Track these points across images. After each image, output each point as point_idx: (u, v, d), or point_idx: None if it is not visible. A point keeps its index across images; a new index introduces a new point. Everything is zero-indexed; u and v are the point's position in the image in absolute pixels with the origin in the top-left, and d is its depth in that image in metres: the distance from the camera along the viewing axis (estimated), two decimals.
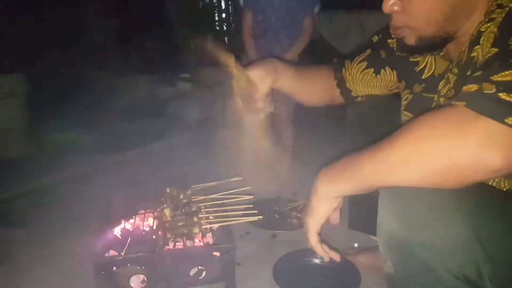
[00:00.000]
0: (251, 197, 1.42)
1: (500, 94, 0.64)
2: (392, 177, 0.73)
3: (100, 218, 1.39)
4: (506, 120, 0.61)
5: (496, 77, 0.66)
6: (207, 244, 1.24)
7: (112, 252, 1.20)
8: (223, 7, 3.41)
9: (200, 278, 1.17)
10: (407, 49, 0.95)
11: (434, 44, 0.90)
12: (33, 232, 1.76)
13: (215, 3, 3.44)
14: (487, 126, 0.63)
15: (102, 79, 3.04)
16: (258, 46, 2.24)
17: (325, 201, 0.85)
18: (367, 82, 1.17)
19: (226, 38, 3.28)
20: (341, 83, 1.20)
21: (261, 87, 1.06)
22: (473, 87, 0.67)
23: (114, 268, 1.11)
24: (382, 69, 1.14)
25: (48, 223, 1.83)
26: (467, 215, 0.72)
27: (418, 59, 1.04)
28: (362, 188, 0.79)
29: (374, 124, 1.33)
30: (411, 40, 0.91)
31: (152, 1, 3.53)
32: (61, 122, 2.49)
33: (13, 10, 2.46)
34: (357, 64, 1.17)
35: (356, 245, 1.67)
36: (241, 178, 1.48)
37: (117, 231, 1.33)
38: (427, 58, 1.03)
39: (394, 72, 1.14)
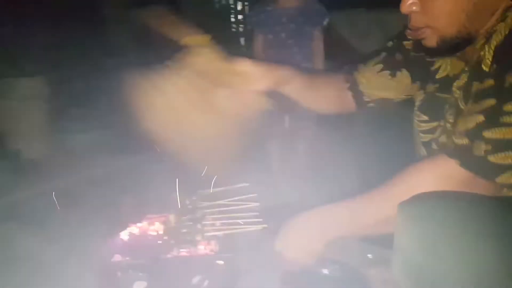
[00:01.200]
0: (257, 204, 1.40)
1: (490, 157, 0.72)
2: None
3: (110, 221, 1.40)
4: (496, 180, 0.73)
5: (487, 133, 0.73)
6: (211, 252, 1.23)
7: (117, 257, 1.21)
8: (239, 8, 3.39)
9: (202, 287, 1.17)
10: (427, 51, 0.92)
11: (456, 46, 0.86)
12: (49, 231, 1.80)
13: (231, 4, 3.43)
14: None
15: (123, 80, 3.07)
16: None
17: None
18: (383, 85, 1.13)
19: (243, 39, 3.27)
20: (353, 86, 1.16)
21: (253, 85, 1.03)
22: (464, 140, 0.77)
23: (117, 273, 1.11)
24: (398, 72, 1.10)
25: (64, 223, 1.87)
26: (503, 244, 0.66)
27: (434, 58, 1.00)
28: None
29: (384, 126, 1.30)
30: (432, 41, 0.87)
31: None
32: (82, 124, 2.54)
33: (35, 14, 2.52)
34: (372, 66, 1.13)
35: (370, 256, 1.62)
36: (247, 184, 1.47)
37: (124, 235, 1.34)
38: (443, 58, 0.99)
39: (410, 74, 1.10)
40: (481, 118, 0.75)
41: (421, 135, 1.06)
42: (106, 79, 3.14)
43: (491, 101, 0.73)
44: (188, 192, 1.45)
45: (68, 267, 1.48)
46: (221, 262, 1.16)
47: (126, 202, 1.54)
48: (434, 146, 0.99)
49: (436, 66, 1.00)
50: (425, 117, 1.04)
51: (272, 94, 1.13)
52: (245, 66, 1.01)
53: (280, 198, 2.16)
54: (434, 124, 1.01)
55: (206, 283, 1.16)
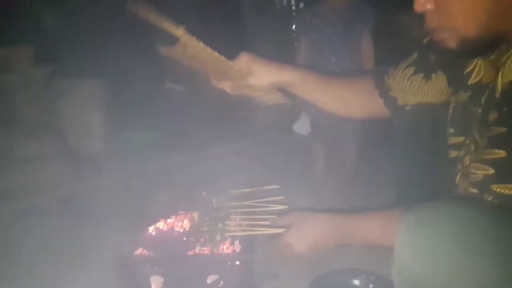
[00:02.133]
0: (286, 207, 1.36)
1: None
2: None
3: (146, 215, 1.44)
4: None
5: (496, 187, 0.69)
6: (232, 252, 1.22)
7: (140, 250, 1.24)
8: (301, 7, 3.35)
9: (218, 286, 1.15)
10: (448, 54, 0.83)
11: (481, 47, 0.77)
12: (99, 224, 1.90)
13: (293, 5, 3.40)
14: None
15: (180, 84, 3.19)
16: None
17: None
18: (417, 89, 1.03)
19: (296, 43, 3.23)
20: (384, 92, 1.07)
21: (253, 81, 1.00)
22: (474, 190, 0.73)
23: (135, 266, 1.14)
24: (434, 74, 0.99)
25: (114, 217, 1.95)
26: (505, 255, 0.60)
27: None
28: None
29: (423, 132, 1.19)
30: (451, 42, 0.78)
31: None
32: (137, 123, 2.66)
33: (94, 15, 2.69)
34: (403, 70, 1.04)
35: None
36: (278, 186, 1.43)
37: (152, 230, 1.37)
38: (476, 60, 0.87)
39: (446, 77, 1.00)
40: (490, 170, 0.70)
41: (449, 150, 0.96)
42: (162, 81, 3.30)
43: (502, 152, 0.68)
44: (218, 192, 1.45)
45: (101, 257, 1.55)
46: (235, 263, 1.13)
47: (162, 198, 1.57)
48: (458, 166, 0.88)
49: (468, 69, 0.88)
50: (452, 130, 0.92)
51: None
52: (245, 61, 0.98)
53: (311, 203, 2.11)
54: (460, 139, 0.89)
55: (221, 283, 1.15)
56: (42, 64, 2.34)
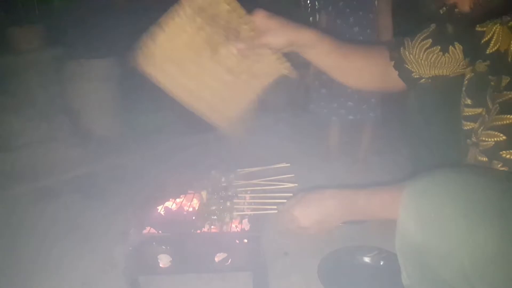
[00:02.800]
0: (295, 185, 1.33)
1: None
2: None
3: (152, 195, 1.44)
4: None
5: (505, 154, 0.68)
6: (240, 231, 1.21)
7: (149, 229, 1.24)
8: None
9: (226, 264, 1.15)
10: (464, 21, 0.78)
11: (493, 8, 0.73)
12: (107, 204, 1.91)
13: None
14: None
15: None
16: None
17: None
18: (434, 62, 0.98)
19: (311, 19, 3.14)
20: (399, 64, 1.03)
21: (268, 39, 0.92)
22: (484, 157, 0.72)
23: (142, 245, 1.13)
24: (451, 46, 0.95)
25: (124, 198, 1.97)
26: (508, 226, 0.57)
27: (485, 28, 0.84)
28: None
29: (439, 108, 1.14)
30: (464, 6, 0.74)
31: None
32: (149, 105, 2.64)
33: None
34: (419, 42, 0.99)
35: None
36: (288, 165, 1.40)
37: (161, 209, 1.37)
38: (495, 28, 0.82)
39: (463, 48, 0.95)
40: (501, 137, 0.69)
41: (463, 121, 0.92)
42: None
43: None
44: (228, 170, 1.43)
45: (110, 237, 1.56)
46: (241, 241, 1.12)
47: (172, 178, 1.56)
48: (473, 139, 0.85)
49: (486, 37, 0.83)
50: (469, 101, 0.88)
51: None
52: (261, 17, 0.91)
53: (322, 181, 2.08)
54: (478, 110, 0.85)
55: (229, 261, 1.14)
56: (51, 44, 2.33)
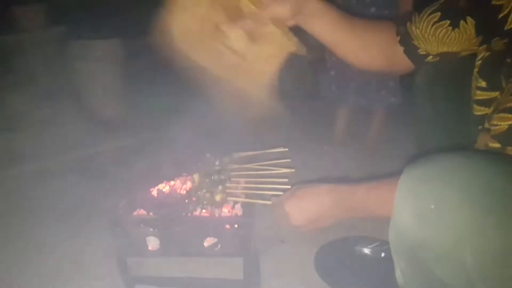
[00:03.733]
0: (292, 170, 1.28)
1: None
2: None
3: (147, 177, 1.40)
4: None
5: None
6: (232, 216, 1.16)
7: (140, 211, 1.21)
8: None
9: (216, 249, 1.10)
10: None
11: None
12: (108, 185, 1.89)
13: None
14: None
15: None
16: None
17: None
18: (442, 37, 0.90)
19: None
20: (405, 40, 0.96)
21: (270, 10, 0.87)
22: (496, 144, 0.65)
23: (129, 226, 1.10)
24: (462, 21, 0.86)
25: (124, 179, 1.94)
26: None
27: (502, 1, 0.77)
28: None
29: (447, 90, 1.06)
30: None
31: None
32: (154, 87, 2.61)
33: None
34: (427, 16, 0.91)
35: None
36: (286, 149, 1.35)
37: (154, 191, 1.33)
38: None
39: (475, 24, 0.87)
40: None
41: (475, 106, 0.84)
42: None
43: None
44: (222, 153, 1.39)
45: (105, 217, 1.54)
46: (230, 226, 1.07)
47: (167, 159, 1.52)
48: (486, 125, 0.76)
49: (504, 11, 0.76)
50: (483, 84, 0.81)
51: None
52: None
53: (325, 168, 2.02)
54: (494, 94, 0.78)
55: (219, 246, 1.10)
56: (54, 24, 2.30)
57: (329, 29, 0.94)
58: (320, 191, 0.92)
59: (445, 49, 0.93)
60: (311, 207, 0.91)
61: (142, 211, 1.20)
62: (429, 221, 0.55)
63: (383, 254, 1.33)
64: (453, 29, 0.88)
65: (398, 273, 0.66)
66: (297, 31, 0.95)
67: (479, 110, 0.83)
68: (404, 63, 1.00)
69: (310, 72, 2.92)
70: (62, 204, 1.76)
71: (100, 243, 1.46)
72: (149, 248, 1.12)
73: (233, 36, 0.91)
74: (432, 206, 0.54)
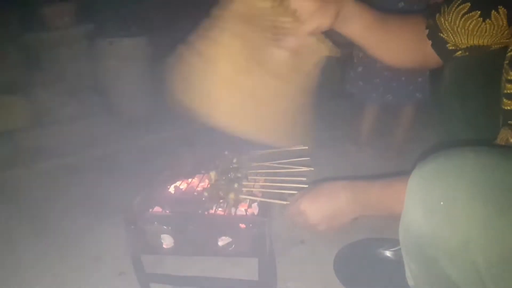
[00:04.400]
0: (311, 169, 1.24)
1: None
2: None
3: (167, 175, 1.40)
4: None
5: None
6: (250, 214, 1.13)
7: (156, 209, 1.20)
8: None
9: (230, 249, 1.08)
10: None
11: None
12: (128, 183, 1.90)
13: None
14: None
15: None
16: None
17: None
18: (472, 30, 0.84)
19: None
20: (433, 33, 0.90)
21: (308, 22, 0.83)
22: None
23: (144, 224, 1.09)
24: (494, 11, 0.80)
25: (143, 176, 1.95)
26: None
27: None
28: None
29: (477, 86, 0.99)
30: None
31: None
32: None
33: None
34: (456, 7, 0.85)
35: None
36: (306, 147, 1.31)
37: (172, 188, 1.32)
38: None
39: (508, 14, 0.80)
40: None
41: (504, 100, 0.78)
42: None
43: None
44: (241, 151, 1.36)
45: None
46: (243, 226, 1.04)
47: (186, 157, 1.52)
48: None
49: None
50: None
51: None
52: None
53: (344, 168, 1.96)
54: None
55: (233, 246, 1.08)
56: (82, 22, 2.34)
57: (365, 31, 0.91)
58: (335, 188, 0.88)
59: (475, 42, 0.86)
60: (326, 204, 0.88)
61: (158, 209, 1.20)
62: (439, 218, 0.53)
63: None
64: (483, 20, 0.82)
65: (408, 274, 0.64)
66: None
67: (508, 105, 0.77)
68: (432, 58, 0.94)
69: (337, 68, 2.86)
70: (83, 199, 1.79)
71: (117, 240, 1.47)
72: (164, 246, 1.11)
73: (274, 59, 0.87)
74: (442, 203, 0.52)
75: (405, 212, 0.59)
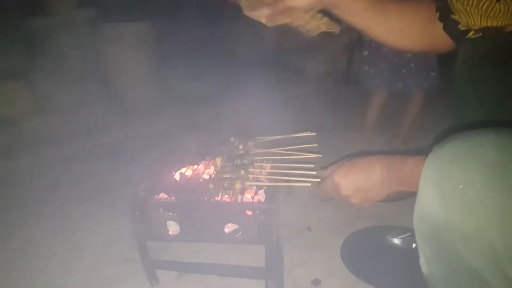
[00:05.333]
0: (319, 155, 1.21)
1: None
2: None
3: (170, 160, 1.38)
4: None
5: None
6: (257, 201, 1.12)
7: (162, 195, 1.19)
8: None
9: (236, 236, 1.07)
10: None
11: None
12: (133, 170, 1.89)
13: None
14: None
15: (233, 31, 3.02)
16: None
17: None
18: (485, 10, 0.81)
19: None
20: (444, 15, 0.87)
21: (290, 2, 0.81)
22: None
23: (149, 210, 1.08)
24: None
25: (148, 163, 1.93)
26: None
27: None
28: None
29: (491, 70, 0.96)
30: None
31: None
32: (182, 72, 2.59)
33: None
34: None
35: None
36: (314, 134, 1.28)
37: (176, 175, 1.31)
38: None
39: None
40: None
41: None
42: (213, 30, 3.16)
43: None
44: (247, 137, 1.34)
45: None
46: (259, 212, 1.03)
47: (191, 144, 1.50)
48: None
49: None
50: None
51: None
52: None
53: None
54: None
55: (240, 233, 1.06)
56: (84, 7, 2.31)
57: (360, 15, 0.88)
58: (370, 161, 0.87)
59: (488, 23, 0.83)
60: (360, 176, 0.87)
61: (163, 195, 1.18)
62: (455, 201, 0.51)
63: (414, 245, 1.25)
64: (497, 1, 0.79)
65: (422, 260, 0.62)
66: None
67: None
68: (444, 41, 0.91)
69: (344, 55, 2.82)
70: (87, 186, 1.79)
71: (123, 227, 1.46)
72: (170, 232, 1.10)
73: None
74: (460, 186, 0.50)
75: (420, 195, 0.57)
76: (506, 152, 0.49)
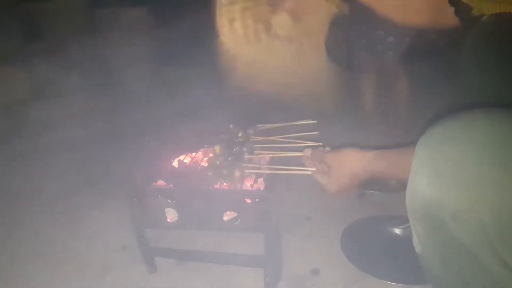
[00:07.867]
0: (320, 144, 1.20)
1: None
2: None
3: (168, 147, 1.37)
4: None
5: None
6: (256, 189, 1.11)
7: (160, 182, 1.17)
8: None
9: (235, 224, 1.06)
10: None
11: None
12: (131, 156, 1.88)
13: None
14: None
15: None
16: None
17: None
18: None
19: None
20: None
21: None
22: None
23: (147, 197, 1.07)
24: None
25: (146, 150, 1.92)
26: None
27: None
28: None
29: (501, 55, 0.95)
30: None
31: None
32: (180, 57, 2.55)
33: None
34: None
35: None
36: (315, 121, 1.27)
37: (175, 162, 1.29)
38: None
39: None
40: None
41: None
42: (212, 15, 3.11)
43: None
44: (247, 125, 1.32)
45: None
46: (258, 200, 1.01)
47: (190, 131, 1.48)
48: None
49: None
50: None
51: None
52: None
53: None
54: None
55: (239, 221, 1.05)
56: None
57: None
58: (344, 156, 0.95)
59: (502, 8, 0.82)
60: (338, 171, 0.95)
61: (161, 182, 1.17)
62: (446, 179, 0.53)
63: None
64: None
65: (415, 239, 0.64)
66: None
67: None
68: (453, 19, 0.90)
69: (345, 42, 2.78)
70: (84, 172, 1.77)
71: (120, 214, 1.44)
72: (168, 220, 1.09)
73: (276, 23, 0.88)
74: (452, 164, 0.51)
75: (412, 175, 0.59)
76: (496, 130, 0.50)
